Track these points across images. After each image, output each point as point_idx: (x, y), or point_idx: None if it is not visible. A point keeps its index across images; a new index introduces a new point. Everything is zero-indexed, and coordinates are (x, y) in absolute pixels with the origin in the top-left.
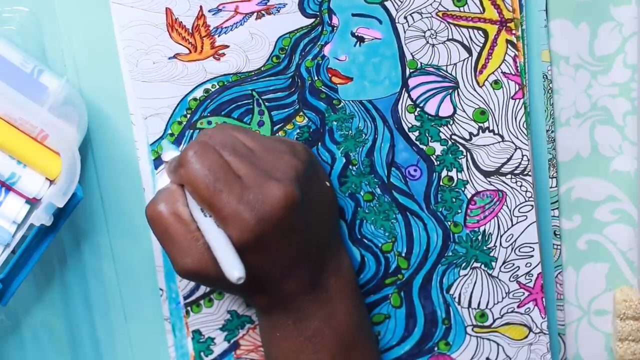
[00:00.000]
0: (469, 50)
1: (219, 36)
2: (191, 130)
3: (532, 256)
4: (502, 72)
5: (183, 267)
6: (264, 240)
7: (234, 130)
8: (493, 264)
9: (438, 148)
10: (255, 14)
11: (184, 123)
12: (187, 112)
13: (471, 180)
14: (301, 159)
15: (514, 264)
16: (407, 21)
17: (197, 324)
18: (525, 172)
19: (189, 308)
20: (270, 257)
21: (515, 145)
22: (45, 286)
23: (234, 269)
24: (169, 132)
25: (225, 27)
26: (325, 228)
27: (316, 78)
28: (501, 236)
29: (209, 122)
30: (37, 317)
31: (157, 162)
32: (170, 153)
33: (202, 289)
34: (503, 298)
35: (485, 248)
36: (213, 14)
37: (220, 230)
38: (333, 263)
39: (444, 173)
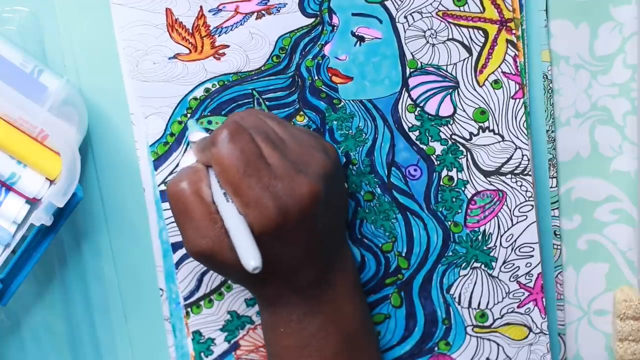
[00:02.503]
0: (469, 50)
1: (219, 36)
2: None
3: (532, 256)
4: (502, 71)
5: (197, 247)
6: (283, 232)
7: (265, 116)
8: (493, 264)
9: (438, 148)
10: (256, 13)
11: (185, 123)
12: (187, 111)
13: (471, 180)
14: (331, 159)
15: (514, 264)
16: (407, 21)
17: (197, 325)
18: (526, 172)
19: (189, 309)
20: (285, 249)
21: (516, 145)
22: (45, 286)
23: (250, 257)
24: (169, 132)
25: (226, 27)
26: (338, 227)
27: (316, 77)
28: (501, 236)
29: (209, 122)
30: (37, 317)
31: (157, 162)
32: (197, 133)
33: (203, 290)
34: (503, 298)
35: (485, 248)
36: (213, 14)
37: (241, 217)
38: (340, 261)
39: (444, 173)
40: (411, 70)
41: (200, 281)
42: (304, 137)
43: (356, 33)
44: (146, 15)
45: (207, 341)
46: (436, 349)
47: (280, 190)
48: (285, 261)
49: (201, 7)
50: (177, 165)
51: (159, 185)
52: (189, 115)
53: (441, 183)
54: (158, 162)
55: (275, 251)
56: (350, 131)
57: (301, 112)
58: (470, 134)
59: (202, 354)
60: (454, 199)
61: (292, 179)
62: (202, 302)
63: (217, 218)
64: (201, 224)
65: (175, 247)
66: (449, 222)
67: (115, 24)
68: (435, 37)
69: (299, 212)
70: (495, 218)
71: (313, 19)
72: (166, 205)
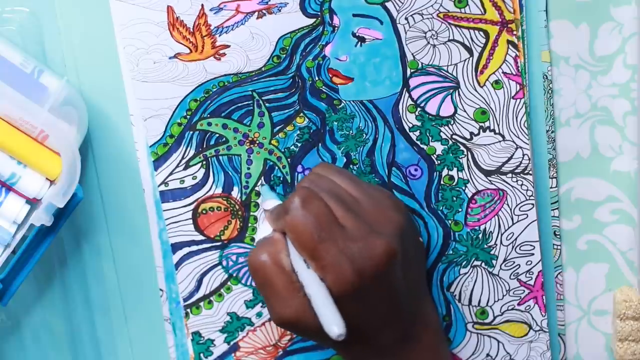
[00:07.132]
0: (469, 51)
1: (219, 36)
2: (191, 132)
3: (532, 254)
4: (502, 72)
5: (283, 316)
6: (361, 293)
7: (337, 175)
8: (493, 262)
9: (439, 147)
10: (256, 13)
11: (184, 124)
12: (187, 113)
13: (472, 179)
14: (403, 216)
15: (514, 262)
16: (408, 22)
17: (197, 326)
18: (526, 171)
19: (188, 310)
20: (367, 309)
21: (516, 145)
22: (45, 286)
23: (333, 324)
24: (169, 133)
25: (226, 27)
26: (418, 281)
27: (317, 78)
28: (502, 234)
29: (209, 124)
30: (37, 317)
31: (157, 163)
32: (270, 201)
33: (202, 291)
34: (503, 296)
35: (485, 246)
36: (214, 13)
37: (322, 284)
38: (422, 314)
39: (445, 172)
40: (412, 70)
41: (199, 282)
42: (376, 194)
43: (357, 34)
44: (147, 13)
45: (207, 342)
46: None
47: (355, 252)
48: (367, 322)
49: (202, 5)
50: (177, 166)
51: (159, 186)
52: (188, 116)
53: (442, 182)
54: (158, 162)
55: (356, 312)
56: (351, 132)
57: (301, 113)
58: (471, 133)
59: (201, 355)
60: (454, 198)
61: (366, 240)
62: (201, 303)
63: (299, 286)
64: (284, 294)
65: (175, 247)
66: (450, 221)
67: (115, 22)
68: (436, 38)
69: (375, 272)
70: (496, 217)
71: (314, 20)
72: (166, 205)
